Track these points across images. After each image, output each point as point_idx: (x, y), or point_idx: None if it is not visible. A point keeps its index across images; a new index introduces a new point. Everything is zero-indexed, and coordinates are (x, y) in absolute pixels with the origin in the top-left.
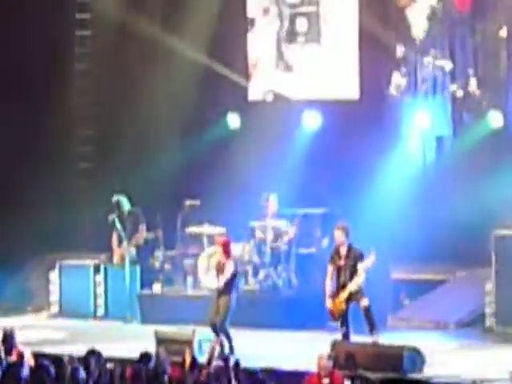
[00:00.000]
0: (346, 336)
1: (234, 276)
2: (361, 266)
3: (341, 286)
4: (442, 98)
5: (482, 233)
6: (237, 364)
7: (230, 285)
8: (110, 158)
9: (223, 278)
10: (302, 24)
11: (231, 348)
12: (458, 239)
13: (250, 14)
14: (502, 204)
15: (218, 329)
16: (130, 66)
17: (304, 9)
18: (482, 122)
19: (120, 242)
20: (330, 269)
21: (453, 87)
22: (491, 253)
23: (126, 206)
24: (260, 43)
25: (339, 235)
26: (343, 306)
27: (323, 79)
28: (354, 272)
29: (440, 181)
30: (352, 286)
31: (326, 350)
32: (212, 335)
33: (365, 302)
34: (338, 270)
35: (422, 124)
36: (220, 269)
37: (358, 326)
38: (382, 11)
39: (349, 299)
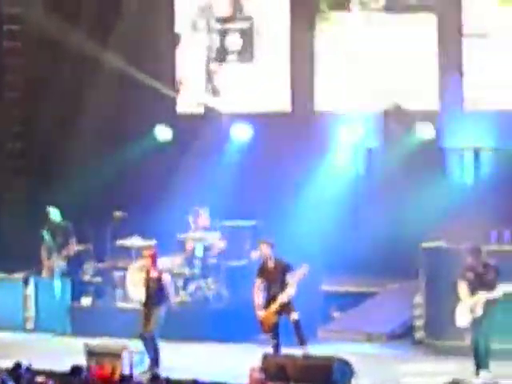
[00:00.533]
0: (276, 348)
1: (161, 286)
2: (292, 278)
3: (271, 299)
4: (372, 111)
5: (411, 245)
6: (167, 380)
7: (162, 296)
8: (38, 171)
9: (165, 292)
10: (234, 41)
11: (157, 360)
12: (388, 251)
13: (177, 28)
14: (431, 216)
15: (149, 339)
16: (59, 77)
17: (236, 25)
18: (411, 134)
19: (50, 254)
20: (258, 282)
21: (383, 101)
22: (420, 265)
23: (57, 218)
24: (188, 60)
25: (265, 249)
26: (274, 319)
27: (254, 92)
28: (283, 284)
29: (370, 193)
30: (283, 297)
31: (256, 362)
32: (142, 347)
33: (295, 315)
34: (268, 282)
35: (352, 136)
36: (152, 281)
37: (288, 339)
38: (312, 23)
39: (279, 312)
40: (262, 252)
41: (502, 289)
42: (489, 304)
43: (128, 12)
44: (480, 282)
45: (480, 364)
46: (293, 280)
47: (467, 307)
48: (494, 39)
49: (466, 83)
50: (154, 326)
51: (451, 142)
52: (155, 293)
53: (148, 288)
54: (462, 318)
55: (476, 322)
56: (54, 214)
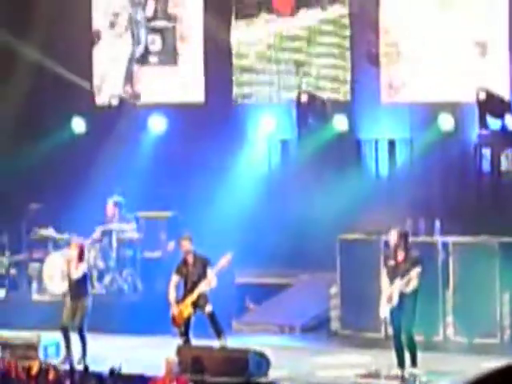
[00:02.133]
0: (187, 344)
1: (86, 278)
2: (214, 268)
3: (188, 292)
4: (286, 102)
5: (326, 236)
6: (86, 368)
7: (84, 287)
8: None
9: (75, 278)
10: (154, 41)
11: (85, 351)
12: (304, 243)
13: (96, 25)
14: (346, 208)
15: (77, 332)
16: None
17: (158, 23)
18: (327, 126)
19: None
20: (175, 278)
21: (298, 91)
22: (336, 256)
23: None
24: (107, 58)
25: (186, 245)
26: (188, 311)
27: (169, 83)
28: (202, 279)
29: (285, 185)
30: (203, 287)
31: (172, 354)
32: (60, 339)
33: (209, 308)
34: (185, 277)
35: (267, 128)
36: (77, 273)
37: (204, 331)
38: (226, 15)
39: (195, 304)
40: (182, 247)
41: (410, 279)
42: (403, 294)
43: (46, 4)
44: (397, 272)
45: (401, 358)
46: (215, 269)
47: (385, 297)
48: (410, 32)
49: (383, 74)
50: (82, 317)
51: (366, 134)
52: (80, 284)
53: (72, 280)
54: (383, 308)
55: (393, 313)
56: None
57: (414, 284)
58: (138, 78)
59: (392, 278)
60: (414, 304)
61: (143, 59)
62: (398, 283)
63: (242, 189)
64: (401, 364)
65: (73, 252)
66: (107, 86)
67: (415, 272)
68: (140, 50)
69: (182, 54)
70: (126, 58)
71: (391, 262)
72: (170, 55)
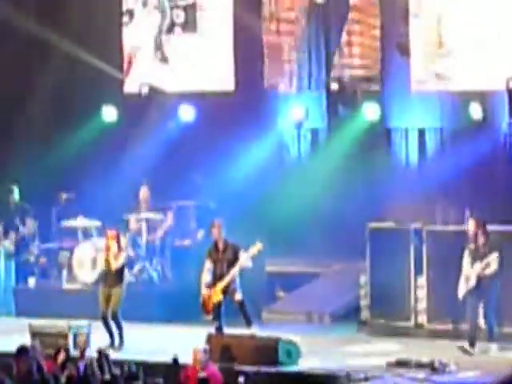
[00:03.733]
0: (218, 331)
1: (123, 267)
2: (245, 255)
3: (218, 278)
4: (317, 91)
5: (356, 225)
6: (116, 360)
7: (121, 276)
8: None
9: (114, 268)
10: (178, 15)
11: (121, 338)
12: (334, 232)
13: (128, 5)
14: (376, 197)
15: (112, 319)
16: (4, 59)
17: (181, 2)
18: (357, 115)
19: None
20: (208, 263)
21: (328, 80)
22: (366, 245)
23: (17, 198)
24: (139, 33)
25: (216, 232)
26: (218, 297)
27: (199, 71)
28: (232, 266)
29: (315, 173)
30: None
31: (201, 343)
32: (86, 328)
33: (238, 296)
34: (215, 263)
35: (297, 116)
36: (113, 259)
37: (233, 320)
38: (256, 3)
39: (224, 291)
40: (214, 233)
41: (489, 263)
42: (482, 277)
43: None
44: (477, 255)
45: (472, 338)
46: (246, 255)
47: (464, 278)
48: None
49: (413, 63)
50: (116, 304)
51: (396, 123)
52: (118, 274)
53: (111, 270)
54: (460, 288)
55: (470, 295)
56: (17, 193)
57: (493, 268)
58: (166, 44)
59: (472, 261)
60: (494, 289)
61: (170, 29)
62: (478, 266)
63: (272, 177)
64: (471, 344)
65: (111, 242)
66: (138, 65)
67: (494, 256)
68: (167, 22)
69: (204, 28)
70: (156, 32)
71: (471, 246)
72: (192, 26)
